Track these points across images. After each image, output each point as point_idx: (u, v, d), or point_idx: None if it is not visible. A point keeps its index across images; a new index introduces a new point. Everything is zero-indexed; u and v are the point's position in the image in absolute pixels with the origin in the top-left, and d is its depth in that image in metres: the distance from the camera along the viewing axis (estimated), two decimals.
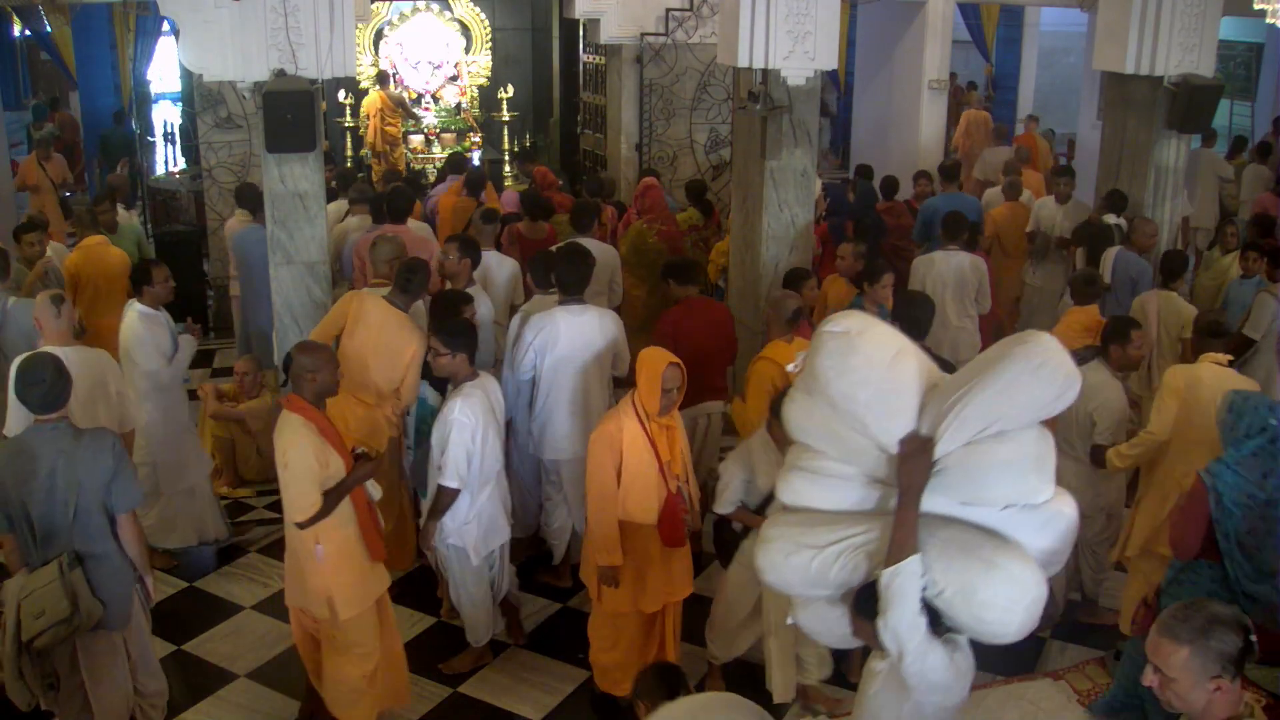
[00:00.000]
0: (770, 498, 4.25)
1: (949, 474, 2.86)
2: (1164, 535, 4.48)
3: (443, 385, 5.15)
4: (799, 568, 2.98)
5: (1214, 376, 4.80)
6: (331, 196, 8.08)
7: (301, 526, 4.11)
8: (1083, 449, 5.13)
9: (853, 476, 2.99)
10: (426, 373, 5.35)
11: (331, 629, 4.31)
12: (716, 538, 4.93)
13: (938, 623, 2.90)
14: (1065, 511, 2.93)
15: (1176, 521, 4.17)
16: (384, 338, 5.37)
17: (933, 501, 2.88)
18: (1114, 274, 7.14)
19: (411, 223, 7.37)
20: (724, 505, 4.61)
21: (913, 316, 5.12)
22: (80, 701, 4.20)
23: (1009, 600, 2.76)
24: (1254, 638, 2.50)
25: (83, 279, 7.14)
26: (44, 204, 10.66)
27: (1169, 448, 4.83)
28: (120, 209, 8.82)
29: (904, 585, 2.80)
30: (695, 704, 3.05)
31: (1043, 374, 2.80)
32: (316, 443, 4.09)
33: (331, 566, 4.19)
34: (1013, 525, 2.87)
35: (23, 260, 6.75)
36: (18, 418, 4.68)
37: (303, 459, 4.03)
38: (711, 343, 5.89)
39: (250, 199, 8.18)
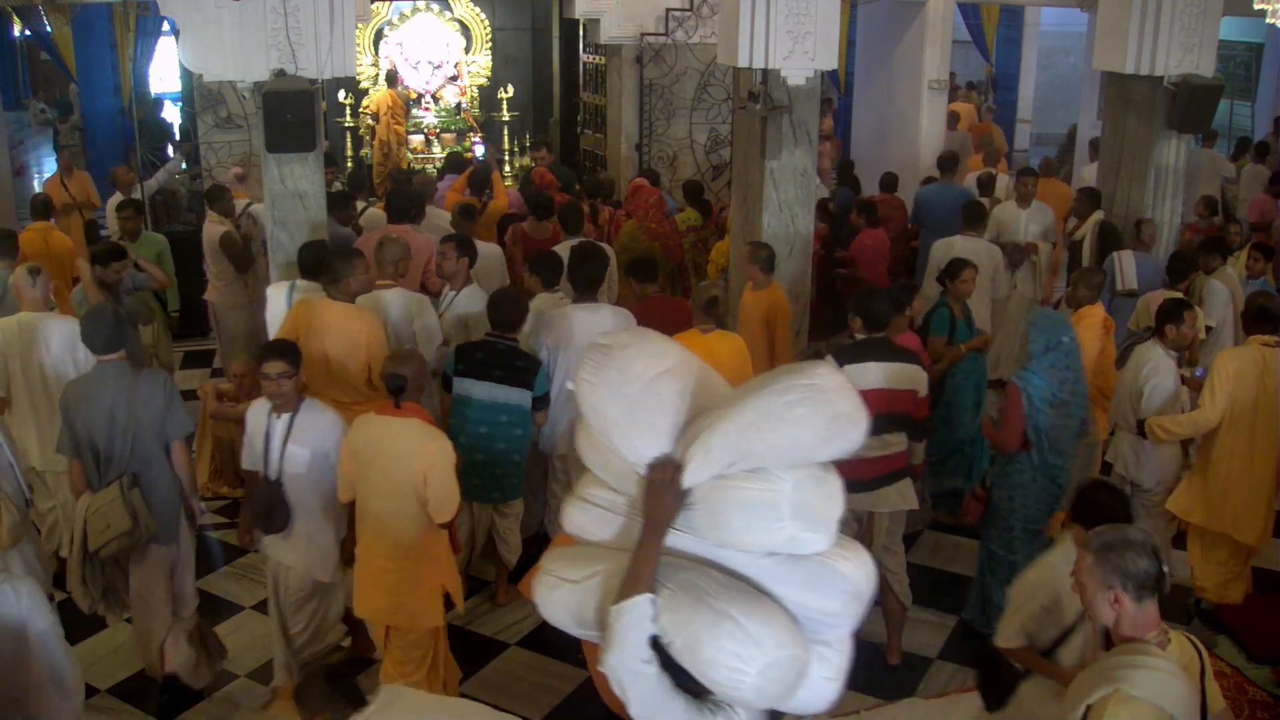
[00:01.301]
0: (1069, 632, 3.56)
1: (696, 510, 2.51)
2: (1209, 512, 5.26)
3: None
4: (561, 603, 2.70)
5: (1261, 357, 5.14)
6: (338, 198, 7.88)
7: (446, 526, 4.35)
8: (1135, 421, 5.35)
9: (623, 507, 2.67)
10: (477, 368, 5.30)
11: (412, 636, 4.46)
12: (985, 674, 3.87)
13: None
14: (842, 570, 2.49)
15: (1001, 423, 4.96)
16: (340, 336, 5.28)
17: (686, 539, 2.55)
18: (1140, 278, 7.11)
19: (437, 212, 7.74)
20: (1007, 637, 3.72)
21: (870, 310, 5.04)
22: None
23: (736, 660, 2.34)
24: (1166, 568, 2.74)
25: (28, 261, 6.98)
26: (69, 225, 9.58)
27: (1222, 425, 5.19)
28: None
29: (627, 626, 2.43)
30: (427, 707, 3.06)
31: (796, 412, 2.40)
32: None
33: (446, 560, 4.49)
34: (771, 576, 2.49)
35: (95, 280, 6.56)
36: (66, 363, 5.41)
37: (450, 461, 4.28)
38: None
39: (220, 200, 8.13)
